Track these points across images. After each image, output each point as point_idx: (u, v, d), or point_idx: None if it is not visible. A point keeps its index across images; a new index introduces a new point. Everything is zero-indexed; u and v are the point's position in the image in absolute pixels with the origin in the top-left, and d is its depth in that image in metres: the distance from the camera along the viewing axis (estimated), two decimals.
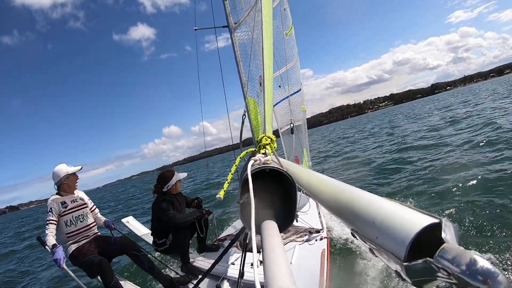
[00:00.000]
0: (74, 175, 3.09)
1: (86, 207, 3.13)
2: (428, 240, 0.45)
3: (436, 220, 0.46)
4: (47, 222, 2.81)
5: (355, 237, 0.64)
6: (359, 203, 0.64)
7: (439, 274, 0.42)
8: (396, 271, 0.50)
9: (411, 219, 0.49)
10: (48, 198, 2.97)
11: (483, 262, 0.38)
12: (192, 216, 3.30)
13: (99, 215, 3.36)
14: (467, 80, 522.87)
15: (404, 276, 0.47)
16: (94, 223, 3.18)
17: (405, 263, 0.45)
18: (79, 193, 3.15)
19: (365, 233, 0.58)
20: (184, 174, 3.52)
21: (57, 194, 3.02)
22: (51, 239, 2.70)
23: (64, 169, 3.02)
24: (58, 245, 2.65)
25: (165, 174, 3.44)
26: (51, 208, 2.85)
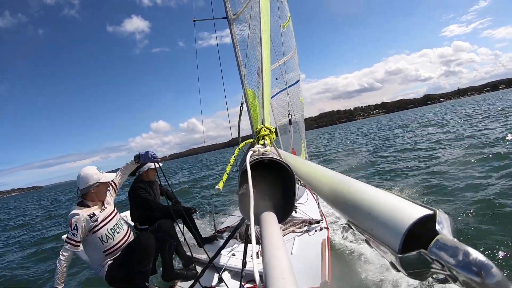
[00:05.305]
0: (105, 184, 2.55)
1: (116, 212, 2.64)
2: (423, 232, 0.45)
3: (430, 212, 0.46)
4: (68, 241, 2.28)
5: (352, 228, 0.64)
6: (355, 194, 0.64)
7: (433, 266, 0.42)
8: (391, 263, 0.50)
9: (405, 211, 0.48)
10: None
11: (476, 254, 0.37)
12: (164, 208, 3.43)
13: (117, 178, 2.79)
14: (460, 93, 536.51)
15: (399, 267, 0.47)
16: (129, 230, 2.73)
17: (399, 255, 0.45)
18: None
19: (361, 225, 0.57)
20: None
21: (79, 203, 2.46)
22: (60, 278, 2.20)
23: (95, 175, 2.48)
24: None
25: None
26: (76, 226, 2.30)
